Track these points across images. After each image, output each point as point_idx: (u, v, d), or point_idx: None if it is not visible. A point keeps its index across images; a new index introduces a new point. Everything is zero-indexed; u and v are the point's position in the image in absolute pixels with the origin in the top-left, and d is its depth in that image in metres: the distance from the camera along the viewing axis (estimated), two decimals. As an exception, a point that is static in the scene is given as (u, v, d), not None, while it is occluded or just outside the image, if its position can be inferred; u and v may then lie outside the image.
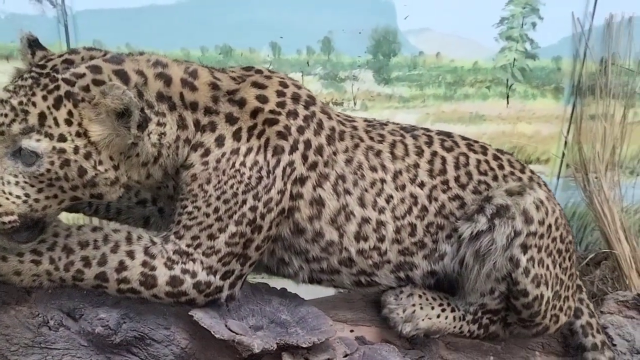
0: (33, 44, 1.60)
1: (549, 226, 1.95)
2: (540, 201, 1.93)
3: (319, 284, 2.04)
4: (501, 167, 2.06)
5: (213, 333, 1.71)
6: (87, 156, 1.51)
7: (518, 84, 3.03)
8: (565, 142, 3.13)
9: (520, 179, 2.06)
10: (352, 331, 2.12)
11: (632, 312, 2.48)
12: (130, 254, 1.64)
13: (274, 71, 1.90)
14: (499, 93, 3.03)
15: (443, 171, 1.98)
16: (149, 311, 1.76)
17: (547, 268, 1.99)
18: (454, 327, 2.09)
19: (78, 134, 1.49)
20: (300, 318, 1.95)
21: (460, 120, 3.03)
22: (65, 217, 2.17)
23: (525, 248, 1.92)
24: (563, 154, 3.15)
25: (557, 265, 2.04)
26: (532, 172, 2.15)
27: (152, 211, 2.05)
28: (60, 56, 1.58)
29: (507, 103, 3.05)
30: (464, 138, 2.11)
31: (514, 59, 2.97)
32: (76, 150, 1.49)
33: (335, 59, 2.86)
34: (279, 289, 2.08)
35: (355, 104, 2.93)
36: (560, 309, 2.14)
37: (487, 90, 3.02)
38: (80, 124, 1.49)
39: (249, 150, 1.70)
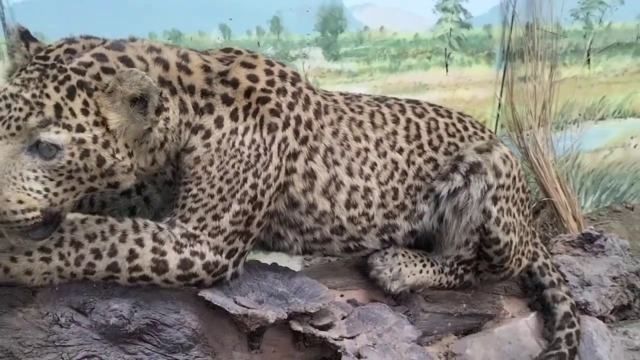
0: (25, 36, 1.55)
1: (514, 178, 2.15)
2: (506, 156, 2.12)
3: (310, 254, 2.13)
4: (466, 128, 2.23)
5: (227, 309, 1.76)
6: (106, 145, 1.50)
7: (455, 52, 3.22)
8: (499, 104, 3.38)
9: (482, 138, 2.24)
10: (342, 296, 2.23)
11: (577, 250, 2.78)
12: (139, 242, 1.64)
13: (253, 51, 1.94)
14: (438, 62, 3.21)
15: (418, 136, 2.12)
16: (157, 298, 1.77)
17: (514, 216, 2.20)
18: (434, 280, 2.26)
19: (96, 123, 1.48)
20: (296, 288, 2.03)
21: (406, 91, 3.17)
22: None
23: (495, 200, 2.10)
24: (498, 115, 3.40)
25: (521, 213, 2.25)
26: (490, 131, 2.34)
27: (137, 201, 2.04)
28: (59, 46, 1.54)
29: (447, 71, 3.24)
30: (430, 104, 2.26)
31: (451, 29, 3.16)
32: (95, 139, 1.48)
33: (285, 38, 2.90)
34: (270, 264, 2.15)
35: (307, 81, 3.00)
36: (522, 253, 2.36)
37: (428, 60, 3.18)
38: (97, 113, 1.48)
39: (247, 129, 1.74)
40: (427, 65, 3.20)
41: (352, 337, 1.97)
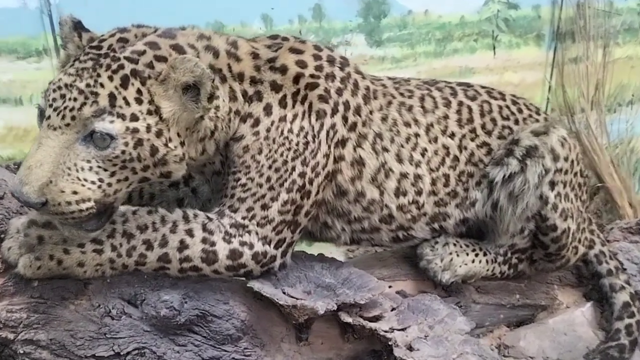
0: (78, 27, 1.55)
1: (572, 162, 2.06)
2: (564, 138, 2.03)
3: (358, 244, 2.09)
4: (520, 111, 2.14)
5: (277, 300, 1.74)
6: (159, 134, 1.49)
7: (503, 34, 3.13)
8: (550, 87, 3.27)
9: (537, 121, 2.15)
10: (390, 287, 2.17)
11: (636, 237, 2.66)
12: (190, 232, 1.64)
13: (300, 37, 1.90)
14: (485, 45, 3.13)
15: (470, 120, 2.05)
16: (207, 289, 1.76)
17: (572, 202, 2.11)
18: (487, 270, 2.19)
19: (149, 112, 1.47)
20: (344, 279, 1.99)
21: (451, 75, 3.09)
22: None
23: (553, 185, 2.02)
24: (548, 99, 3.28)
25: (578, 199, 2.16)
26: (545, 113, 2.25)
27: (185, 192, 2.04)
28: (112, 35, 1.55)
29: (494, 54, 3.15)
30: (482, 86, 2.18)
31: (498, 10, 3.07)
32: (148, 128, 1.47)
33: (327, 26, 2.87)
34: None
35: (349, 68, 2.95)
36: (579, 241, 2.27)
37: (475, 43, 3.10)
38: (150, 102, 1.47)
39: (295, 116, 1.71)
40: (474, 49, 3.12)
41: (403, 329, 1.93)
